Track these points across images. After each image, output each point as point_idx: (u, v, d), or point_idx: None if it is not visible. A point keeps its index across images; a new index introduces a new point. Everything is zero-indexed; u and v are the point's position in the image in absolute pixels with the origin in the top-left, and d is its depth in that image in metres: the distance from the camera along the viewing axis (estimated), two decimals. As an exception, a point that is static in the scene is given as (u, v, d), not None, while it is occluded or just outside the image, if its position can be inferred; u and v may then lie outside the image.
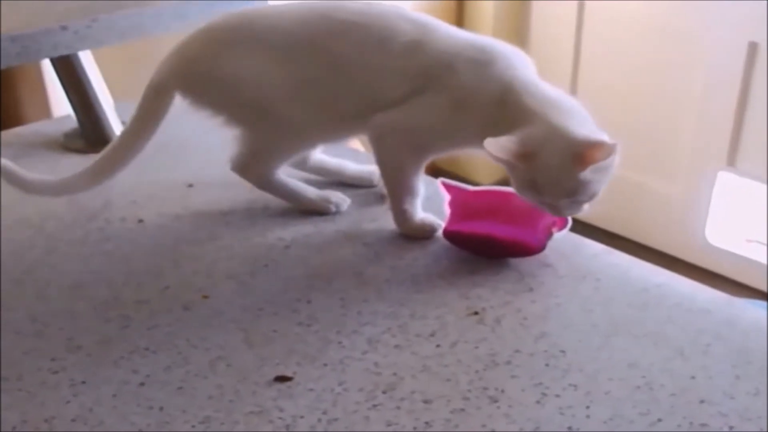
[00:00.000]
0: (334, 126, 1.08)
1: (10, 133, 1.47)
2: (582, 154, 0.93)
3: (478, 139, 1.01)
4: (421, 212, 1.08)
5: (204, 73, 1.07)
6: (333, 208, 1.13)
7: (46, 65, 2.15)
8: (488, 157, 0.97)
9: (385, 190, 1.09)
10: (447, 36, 1.04)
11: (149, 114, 1.09)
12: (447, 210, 1.05)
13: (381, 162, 1.07)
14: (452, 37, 1.04)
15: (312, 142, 1.13)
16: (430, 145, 1.06)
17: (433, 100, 1.02)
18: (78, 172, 1.10)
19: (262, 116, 1.07)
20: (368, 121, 1.04)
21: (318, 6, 1.07)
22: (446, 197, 1.05)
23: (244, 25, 1.08)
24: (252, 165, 1.11)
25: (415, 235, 1.07)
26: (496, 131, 0.96)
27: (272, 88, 1.04)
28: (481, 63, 1.01)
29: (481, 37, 1.06)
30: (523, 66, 1.03)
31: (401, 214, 1.08)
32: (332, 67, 1.04)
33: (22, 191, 1.10)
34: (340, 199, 1.14)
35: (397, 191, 1.07)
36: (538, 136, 0.94)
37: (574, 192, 0.95)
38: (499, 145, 0.93)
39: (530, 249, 1.01)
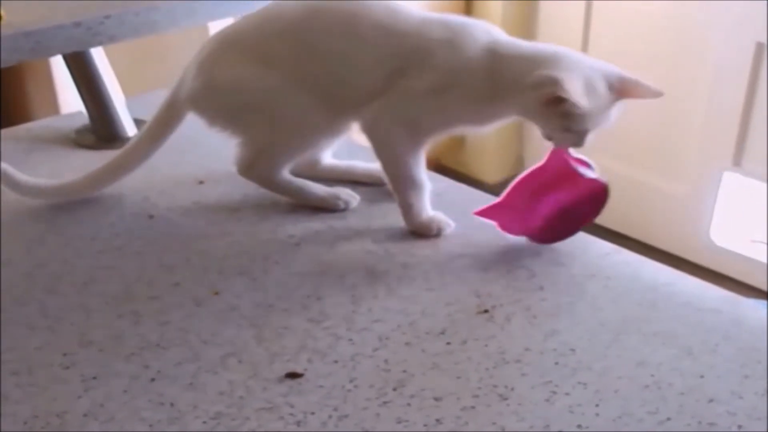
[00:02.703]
0: (329, 120, 1.09)
1: (21, 129, 1.48)
2: (622, 89, 1.00)
3: (473, 116, 1.06)
4: (429, 210, 1.08)
5: (204, 84, 1.09)
6: (342, 205, 1.14)
7: (55, 61, 2.16)
8: (524, 109, 1.02)
9: (390, 186, 1.09)
10: (412, 17, 1.06)
11: (158, 130, 1.15)
12: (504, 231, 1.05)
13: (379, 153, 1.08)
14: (418, 18, 1.06)
15: (312, 139, 1.13)
16: (425, 130, 1.07)
17: (419, 84, 1.03)
18: (75, 178, 1.16)
19: (260, 116, 1.09)
20: (360, 112, 1.06)
21: (296, 8, 1.09)
22: (494, 223, 1.05)
23: (234, 34, 1.11)
24: (256, 165, 1.12)
25: (422, 232, 1.08)
26: (493, 100, 1.02)
27: (265, 88, 1.07)
28: (454, 41, 1.03)
29: (442, 15, 1.07)
30: (494, 31, 1.06)
31: (408, 209, 1.08)
32: (312, 60, 1.06)
33: (18, 194, 1.15)
34: (349, 195, 1.15)
35: (400, 183, 1.08)
36: (582, 75, 0.99)
37: (600, 123, 1.01)
38: (571, 85, 0.96)
39: (601, 191, 1.01)
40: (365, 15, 1.05)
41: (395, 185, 1.08)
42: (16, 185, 1.15)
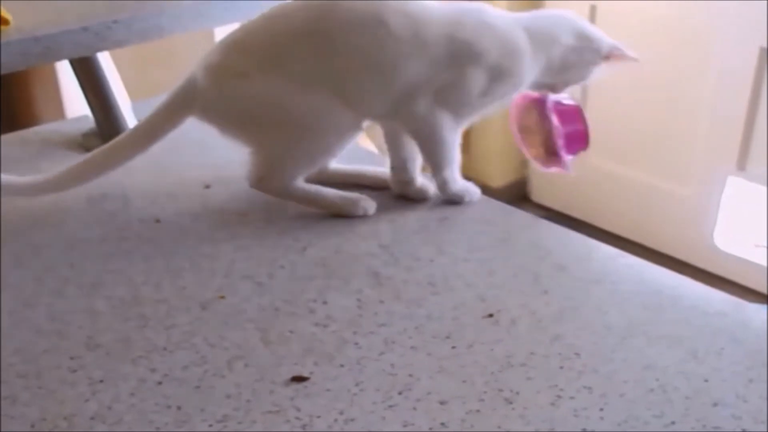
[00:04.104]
0: (353, 120, 1.09)
1: (30, 132, 1.48)
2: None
3: (512, 94, 1.13)
4: (460, 179, 1.15)
5: (218, 94, 1.09)
6: (361, 211, 1.13)
7: (61, 65, 2.16)
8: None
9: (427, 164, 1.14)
10: (431, 7, 1.09)
11: (153, 129, 1.12)
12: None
13: (423, 139, 1.12)
14: (439, 8, 1.10)
15: (336, 144, 1.12)
16: (470, 115, 1.13)
17: (476, 74, 1.08)
18: (58, 172, 1.12)
19: (280, 125, 1.08)
20: (389, 107, 1.08)
21: (307, 6, 1.08)
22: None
23: (245, 40, 1.09)
24: (272, 177, 1.12)
25: (456, 200, 1.14)
26: (536, 70, 1.11)
27: (285, 95, 1.06)
28: (495, 29, 1.09)
29: (450, 3, 1.12)
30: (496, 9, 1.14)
31: (444, 183, 1.14)
32: (336, 59, 1.06)
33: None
34: (367, 201, 1.14)
35: (439, 163, 1.12)
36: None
37: None
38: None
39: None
40: (388, 7, 1.05)
41: (434, 164, 1.13)
42: (8, 189, 1.13)
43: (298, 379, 0.83)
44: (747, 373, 0.84)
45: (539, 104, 1.16)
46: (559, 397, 0.81)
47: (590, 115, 1.14)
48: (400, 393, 0.81)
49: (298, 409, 0.79)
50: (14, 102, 2.22)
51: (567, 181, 3.16)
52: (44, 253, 1.08)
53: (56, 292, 0.99)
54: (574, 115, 1.15)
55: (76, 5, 1.34)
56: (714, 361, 0.85)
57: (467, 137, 1.15)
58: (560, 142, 1.14)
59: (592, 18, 3.07)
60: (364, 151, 1.26)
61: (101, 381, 0.84)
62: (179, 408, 0.80)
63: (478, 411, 0.79)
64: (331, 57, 1.05)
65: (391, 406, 0.80)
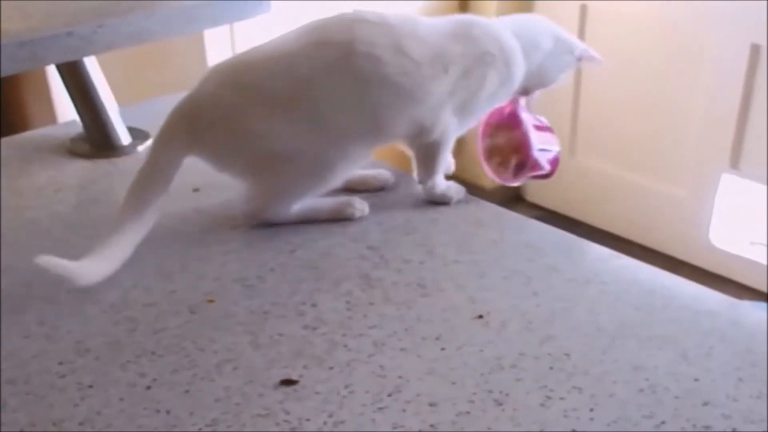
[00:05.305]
0: (367, 150, 1.11)
1: (21, 137, 1.49)
2: None
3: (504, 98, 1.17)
4: (444, 181, 1.17)
5: (225, 136, 1.07)
6: (358, 213, 1.13)
7: (51, 70, 2.16)
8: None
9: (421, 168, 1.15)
10: (435, 24, 1.11)
11: (162, 177, 1.06)
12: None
13: (434, 149, 1.13)
14: (439, 23, 1.12)
15: (341, 176, 1.12)
16: (473, 120, 1.16)
17: (489, 80, 1.10)
18: (101, 252, 0.99)
19: (291, 165, 1.07)
20: (425, 127, 1.10)
21: (306, 38, 1.06)
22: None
23: (257, 83, 1.06)
24: (273, 209, 1.11)
25: (446, 199, 1.16)
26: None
27: (304, 137, 1.05)
28: (499, 38, 1.11)
29: (448, 18, 1.14)
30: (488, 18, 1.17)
31: (431, 188, 1.16)
32: (362, 94, 1.05)
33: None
34: (361, 203, 1.14)
35: (439, 168, 1.15)
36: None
37: None
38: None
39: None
40: (401, 35, 1.06)
41: (430, 170, 1.15)
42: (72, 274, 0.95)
43: (288, 382, 0.83)
44: (737, 372, 0.84)
45: (511, 118, 1.17)
46: (549, 398, 0.80)
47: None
48: (389, 395, 0.81)
49: (288, 412, 0.79)
50: (6, 106, 2.21)
51: (562, 181, 3.15)
52: (34, 257, 1.06)
53: (46, 297, 0.99)
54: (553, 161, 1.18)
55: (63, 8, 1.34)
56: (704, 361, 0.85)
57: (460, 140, 1.15)
58: (535, 147, 1.15)
59: (583, 18, 3.06)
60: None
61: (90, 386, 0.84)
62: (168, 412, 0.80)
63: (468, 413, 0.79)
64: (360, 92, 1.05)
65: (380, 408, 0.79)
